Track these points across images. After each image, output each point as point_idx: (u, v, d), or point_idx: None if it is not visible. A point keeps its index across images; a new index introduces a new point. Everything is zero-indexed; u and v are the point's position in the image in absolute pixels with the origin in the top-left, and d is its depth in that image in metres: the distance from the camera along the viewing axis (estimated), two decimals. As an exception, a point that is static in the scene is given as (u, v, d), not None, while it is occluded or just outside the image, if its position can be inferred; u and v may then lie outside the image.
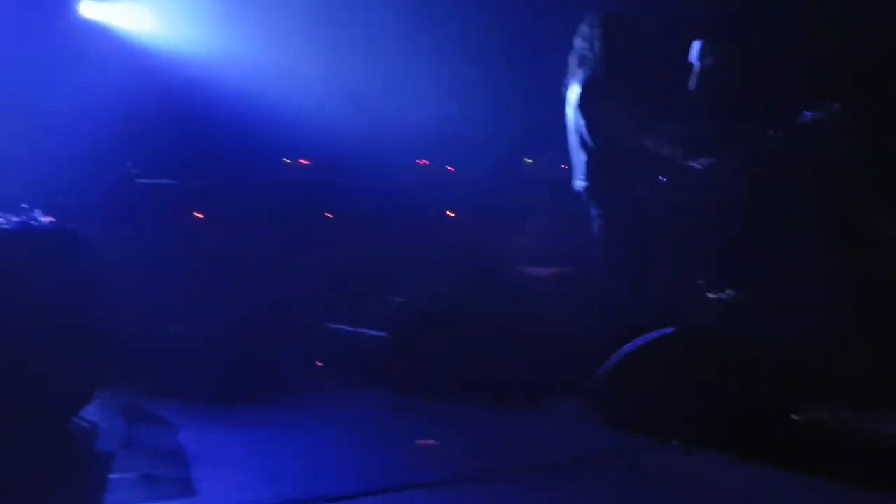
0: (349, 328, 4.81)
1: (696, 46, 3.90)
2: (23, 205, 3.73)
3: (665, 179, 4.12)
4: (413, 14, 5.95)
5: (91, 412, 3.55)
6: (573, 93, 4.33)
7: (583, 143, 4.33)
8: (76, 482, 3.02)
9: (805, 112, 3.80)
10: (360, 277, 5.37)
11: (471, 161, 6.07)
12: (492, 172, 6.01)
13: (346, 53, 5.96)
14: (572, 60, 4.32)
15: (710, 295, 3.96)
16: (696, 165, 4.02)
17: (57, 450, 3.26)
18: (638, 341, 3.48)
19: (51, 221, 3.66)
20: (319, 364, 4.91)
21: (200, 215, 5.14)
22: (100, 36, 5.88)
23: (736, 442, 3.17)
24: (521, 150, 6.06)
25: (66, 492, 2.91)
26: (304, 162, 6.04)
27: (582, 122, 4.28)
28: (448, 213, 5.99)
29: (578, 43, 4.28)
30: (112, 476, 3.04)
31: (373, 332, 4.63)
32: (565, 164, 4.84)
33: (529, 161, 6.00)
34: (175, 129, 5.66)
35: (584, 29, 4.27)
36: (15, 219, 3.58)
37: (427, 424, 3.80)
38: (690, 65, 3.95)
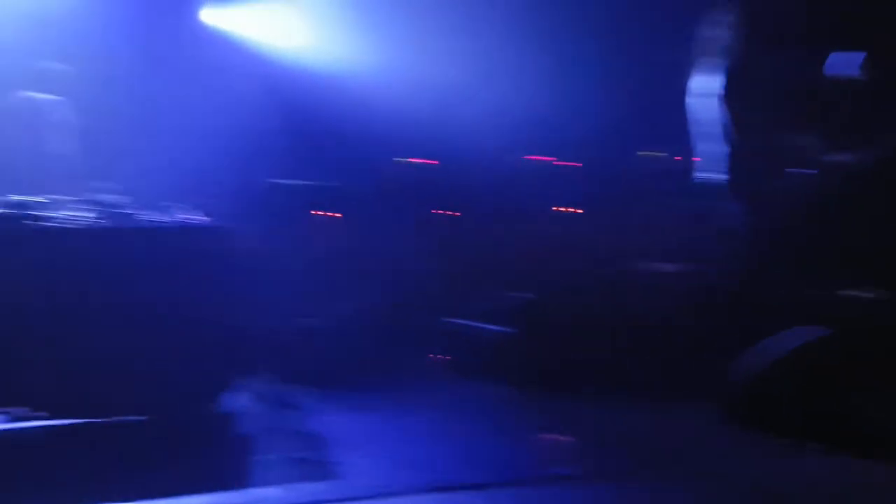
0: (469, 322, 4.88)
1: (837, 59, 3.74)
2: (164, 203, 3.93)
3: (807, 173, 3.96)
4: (522, 5, 5.94)
5: (233, 398, 3.73)
6: (708, 82, 4.21)
7: (718, 136, 4.21)
8: (223, 464, 3.19)
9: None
10: (478, 273, 5.44)
11: (586, 154, 6.01)
12: (609, 166, 5.93)
13: (457, 53, 6.02)
14: (704, 47, 4.22)
15: (855, 293, 3.79)
16: (841, 160, 3.85)
17: (202, 433, 3.46)
18: (778, 340, 3.37)
19: (200, 219, 3.87)
20: (442, 357, 5.01)
21: (327, 214, 5.34)
22: (226, 42, 6.22)
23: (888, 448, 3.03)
24: (637, 142, 5.96)
25: (214, 473, 3.08)
26: (417, 161, 6.15)
27: (722, 114, 4.15)
28: (562, 208, 5.96)
29: (711, 30, 4.17)
30: (257, 458, 3.22)
31: (493, 328, 4.68)
32: (682, 157, 4.74)
33: (647, 153, 5.91)
34: (301, 132, 5.92)
35: (718, 15, 4.15)
36: (166, 217, 3.81)
37: (550, 419, 3.82)
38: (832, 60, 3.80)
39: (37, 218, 3.40)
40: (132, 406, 3.30)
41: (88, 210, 3.59)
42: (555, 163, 6.07)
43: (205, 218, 3.84)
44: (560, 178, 5.95)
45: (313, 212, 5.47)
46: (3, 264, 3.21)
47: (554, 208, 5.86)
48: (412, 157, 6.13)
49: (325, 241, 5.32)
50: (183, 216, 3.81)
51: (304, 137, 5.86)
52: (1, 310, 3.16)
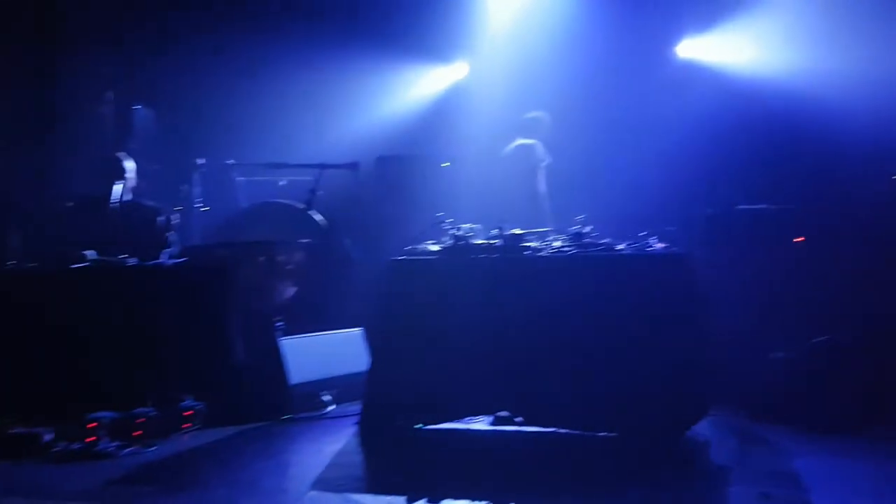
0: None
1: None
2: (640, 233, 4.11)
3: None
4: None
5: (704, 428, 3.70)
6: None
7: None
8: (695, 490, 3.20)
9: None
10: None
11: None
12: None
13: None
14: None
15: None
16: None
17: (669, 457, 3.48)
18: None
19: (664, 247, 3.97)
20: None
21: (801, 239, 4.99)
22: (697, 73, 6.31)
23: None
24: None
25: (686, 496, 3.12)
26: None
27: None
28: None
29: None
30: (729, 489, 3.14)
31: None
32: None
33: None
34: (769, 155, 5.70)
35: None
36: (632, 245, 3.98)
37: None
38: None
39: (527, 247, 3.88)
40: (604, 422, 3.54)
41: (566, 240, 3.96)
42: None
43: (667, 246, 3.92)
44: None
45: (789, 238, 5.14)
46: (503, 285, 3.73)
47: None
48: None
49: (793, 267, 4.95)
50: (648, 244, 3.95)
51: (776, 161, 5.63)
52: (471, 322, 3.66)
